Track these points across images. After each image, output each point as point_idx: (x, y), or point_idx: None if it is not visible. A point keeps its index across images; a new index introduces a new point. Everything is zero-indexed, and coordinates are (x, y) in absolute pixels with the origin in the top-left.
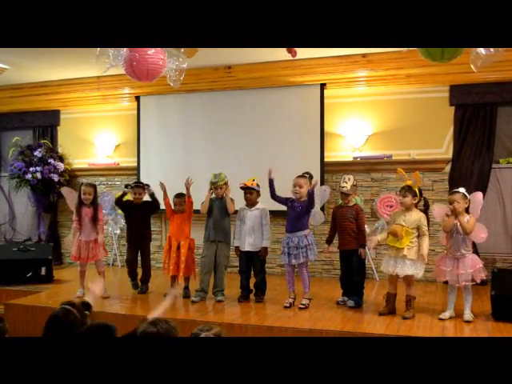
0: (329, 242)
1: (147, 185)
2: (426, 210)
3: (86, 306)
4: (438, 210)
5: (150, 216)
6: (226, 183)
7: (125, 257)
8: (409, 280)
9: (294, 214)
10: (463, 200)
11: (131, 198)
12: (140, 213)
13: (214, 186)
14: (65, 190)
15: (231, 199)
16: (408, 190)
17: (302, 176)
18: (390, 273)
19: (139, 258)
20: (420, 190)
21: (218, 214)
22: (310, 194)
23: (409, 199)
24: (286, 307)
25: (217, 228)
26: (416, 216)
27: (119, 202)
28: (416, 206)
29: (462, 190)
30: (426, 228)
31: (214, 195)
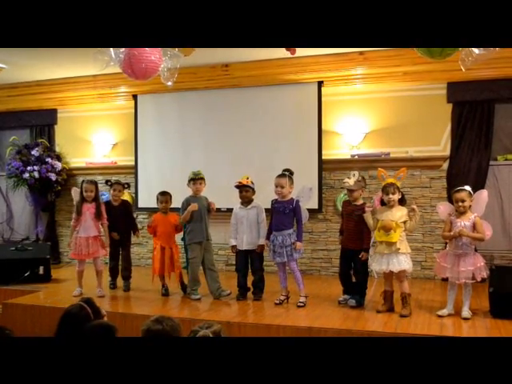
0: (341, 232)
1: (127, 184)
2: (403, 204)
3: (88, 302)
4: (443, 208)
5: (131, 214)
6: (203, 179)
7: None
8: (402, 276)
9: (278, 214)
10: (469, 198)
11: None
12: (119, 211)
13: (195, 177)
14: (74, 191)
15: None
16: (396, 187)
17: (283, 175)
18: (384, 271)
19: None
20: None
21: (199, 214)
22: (297, 210)
23: (397, 196)
24: (276, 304)
25: (202, 229)
26: (401, 211)
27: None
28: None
29: (467, 187)
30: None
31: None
